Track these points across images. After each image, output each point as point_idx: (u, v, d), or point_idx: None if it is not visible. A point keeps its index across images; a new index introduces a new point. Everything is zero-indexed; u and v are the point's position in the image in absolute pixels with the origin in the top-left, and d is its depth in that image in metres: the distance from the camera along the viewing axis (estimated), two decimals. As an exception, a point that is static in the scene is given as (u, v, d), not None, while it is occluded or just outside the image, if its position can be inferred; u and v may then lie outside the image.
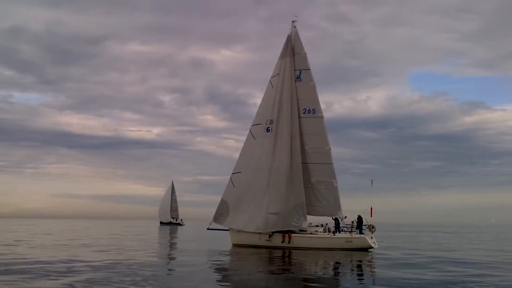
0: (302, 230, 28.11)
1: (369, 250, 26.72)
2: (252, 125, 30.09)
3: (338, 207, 28.40)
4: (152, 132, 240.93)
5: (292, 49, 29.70)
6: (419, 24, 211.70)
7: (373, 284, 14.41)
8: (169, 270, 17.77)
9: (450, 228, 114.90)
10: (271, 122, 29.19)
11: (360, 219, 27.97)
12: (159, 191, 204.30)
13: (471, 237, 58.59)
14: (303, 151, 28.89)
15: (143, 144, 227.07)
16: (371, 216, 27.46)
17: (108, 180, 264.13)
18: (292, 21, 30.29)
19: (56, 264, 17.35)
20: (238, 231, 29.20)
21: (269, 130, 29.16)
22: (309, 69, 29.41)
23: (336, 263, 21.09)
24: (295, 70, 29.45)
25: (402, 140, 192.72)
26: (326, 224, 28.74)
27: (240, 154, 30.26)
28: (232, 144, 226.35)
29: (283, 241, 27.82)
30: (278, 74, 29.47)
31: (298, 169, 28.30)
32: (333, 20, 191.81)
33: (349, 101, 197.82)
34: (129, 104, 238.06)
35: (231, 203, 29.46)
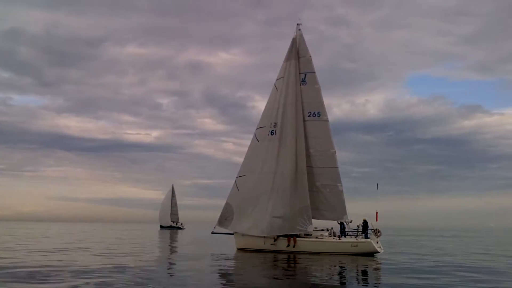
0: (307, 234, 27.95)
1: (374, 255, 26.52)
2: (256, 128, 30.00)
3: (343, 211, 28.25)
4: (150, 135, 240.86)
5: (297, 52, 29.65)
6: (417, 27, 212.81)
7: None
8: (171, 275, 17.52)
9: (448, 232, 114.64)
10: (275, 125, 29.10)
11: (365, 223, 27.81)
12: (157, 194, 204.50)
13: (472, 241, 58.39)
14: (307, 155, 28.78)
15: (141, 147, 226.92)
16: (377, 220, 27.31)
17: (106, 183, 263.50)
18: (297, 24, 30.35)
19: (54, 269, 17.05)
20: (243, 235, 29.02)
21: (273, 133, 29.06)
22: (314, 72, 29.36)
23: (342, 268, 20.84)
24: (300, 73, 29.40)
25: (400, 144, 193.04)
26: (332, 228, 28.58)
27: (244, 158, 30.15)
28: (231, 147, 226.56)
29: (288, 245, 27.64)
30: (283, 77, 29.42)
31: (303, 172, 28.17)
32: (331, 23, 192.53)
33: (347, 104, 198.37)
34: (127, 106, 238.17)
35: (236, 207, 29.33)
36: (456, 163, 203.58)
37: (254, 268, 20.55)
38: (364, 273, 19.15)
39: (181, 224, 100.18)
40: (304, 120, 29.00)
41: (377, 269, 20.62)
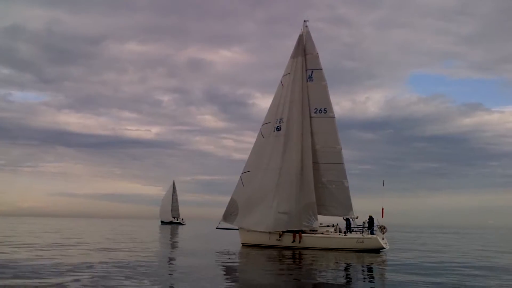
0: (313, 230, 28.03)
1: (380, 251, 26.62)
2: (262, 124, 30.03)
3: (349, 207, 28.32)
4: (151, 131, 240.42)
5: (304, 48, 29.65)
6: (417, 26, 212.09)
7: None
8: (172, 271, 17.31)
9: (449, 229, 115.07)
10: (281, 121, 29.12)
11: (371, 219, 27.88)
12: (157, 190, 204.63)
13: (474, 238, 58.69)
14: (313, 151, 28.82)
15: (141, 144, 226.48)
16: (382, 217, 27.38)
17: (106, 179, 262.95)
18: (304, 21, 30.31)
19: (59, 264, 16.87)
20: (248, 230, 29.08)
21: (279, 129, 29.08)
22: (321, 69, 29.36)
23: (348, 265, 20.49)
24: (306, 69, 29.40)
25: (399, 142, 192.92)
26: (337, 224, 28.67)
27: (250, 153, 30.18)
28: (231, 144, 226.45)
29: (293, 241, 27.72)
30: (289, 73, 29.42)
31: (309, 169, 28.22)
32: (331, 23, 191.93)
33: (347, 102, 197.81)
34: (128, 103, 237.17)
35: (241, 202, 29.36)
36: (456, 161, 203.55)
37: (258, 264, 20.53)
38: (372, 271, 18.92)
39: (182, 220, 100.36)
40: (310, 117, 29.02)
41: (384, 266, 20.59)
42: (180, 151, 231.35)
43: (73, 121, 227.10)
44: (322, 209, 28.44)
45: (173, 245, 32.61)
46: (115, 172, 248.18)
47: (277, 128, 29.21)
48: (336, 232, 28.13)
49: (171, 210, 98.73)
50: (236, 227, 29.92)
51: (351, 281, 15.90)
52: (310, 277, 16.47)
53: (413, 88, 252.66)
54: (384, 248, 26.70)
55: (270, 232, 28.19)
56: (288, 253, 25.14)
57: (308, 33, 29.86)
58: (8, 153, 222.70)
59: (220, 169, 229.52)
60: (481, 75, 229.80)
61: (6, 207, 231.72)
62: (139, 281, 13.26)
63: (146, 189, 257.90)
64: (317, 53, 29.51)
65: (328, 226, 28.54)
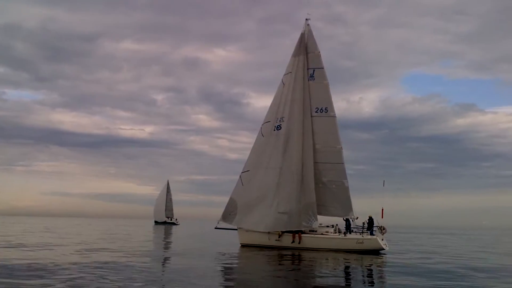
0: (313, 231, 27.78)
1: (380, 252, 26.41)
2: (262, 123, 29.74)
3: (349, 207, 28.09)
4: (145, 130, 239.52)
5: (306, 47, 29.39)
6: (414, 25, 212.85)
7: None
8: (168, 272, 16.91)
9: (444, 230, 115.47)
10: (281, 120, 28.85)
11: (371, 220, 27.67)
12: (151, 190, 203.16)
13: (471, 239, 58.73)
14: (313, 150, 28.56)
15: (136, 143, 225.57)
16: (382, 217, 27.19)
17: (100, 179, 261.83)
18: (306, 19, 30.08)
19: (51, 265, 16.22)
20: (247, 230, 28.77)
21: (279, 128, 28.81)
22: (322, 68, 29.13)
23: (349, 268, 19.96)
24: (308, 68, 29.15)
25: (394, 142, 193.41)
26: (337, 224, 28.42)
27: (250, 153, 29.88)
28: (225, 144, 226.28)
29: (293, 242, 27.46)
30: (291, 72, 29.16)
31: (309, 168, 27.98)
32: (328, 21, 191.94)
33: (342, 102, 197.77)
34: (122, 102, 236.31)
35: (240, 202, 29.05)
36: (449, 161, 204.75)
37: (256, 265, 20.22)
38: (369, 271, 18.70)
39: (176, 220, 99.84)
40: (311, 116, 28.77)
41: (383, 267, 20.31)
42: (174, 150, 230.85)
43: (67, 120, 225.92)
44: (322, 209, 28.20)
45: (167, 246, 31.98)
46: (109, 171, 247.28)
47: (277, 127, 28.94)
48: (335, 232, 27.89)
49: (165, 210, 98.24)
50: (235, 227, 29.59)
51: (350, 283, 15.56)
52: (309, 278, 16.18)
53: (409, 88, 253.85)
54: (383, 249, 26.49)
55: (269, 232, 27.92)
56: (287, 253, 24.84)
57: (310, 31, 29.61)
58: (2, 152, 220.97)
59: (214, 169, 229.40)
60: (476, 75, 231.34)
61: (0, 207, 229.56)
62: (132, 282, 12.93)
63: (140, 189, 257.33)
64: (319, 52, 29.27)
65: (327, 226, 28.31)
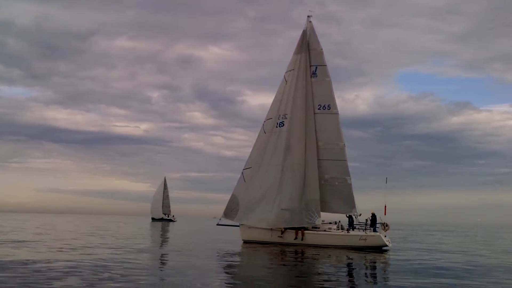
0: (315, 227, 27.84)
1: (383, 248, 26.49)
2: (264, 120, 29.73)
3: (352, 204, 28.15)
4: (139, 128, 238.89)
5: (308, 44, 29.37)
6: (407, 25, 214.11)
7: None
8: (169, 270, 16.63)
9: (440, 227, 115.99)
10: (284, 117, 28.85)
11: (374, 217, 27.73)
12: (146, 187, 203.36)
13: (469, 236, 58.99)
14: (316, 148, 28.60)
15: (130, 140, 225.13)
16: (385, 214, 27.29)
17: (94, 176, 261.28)
18: (308, 16, 30.09)
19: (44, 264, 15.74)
20: (249, 227, 28.80)
21: (282, 125, 28.80)
22: (325, 65, 29.13)
23: (351, 264, 19.86)
24: (310, 65, 29.14)
25: (389, 140, 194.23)
26: (339, 221, 28.50)
27: (252, 150, 29.88)
28: (220, 141, 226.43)
29: (295, 238, 27.52)
30: (293, 69, 29.12)
31: (313, 165, 28.03)
32: (322, 20, 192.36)
33: (337, 100, 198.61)
34: (116, 99, 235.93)
35: (242, 199, 29.07)
36: (444, 159, 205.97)
37: (259, 261, 20.19)
38: (372, 268, 18.58)
39: (173, 216, 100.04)
40: (314, 113, 28.79)
41: (385, 264, 20.29)
42: (169, 148, 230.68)
43: (62, 117, 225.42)
44: (324, 206, 28.24)
45: (167, 242, 31.94)
46: (103, 168, 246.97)
47: (279, 124, 28.92)
48: (338, 229, 27.97)
49: (162, 206, 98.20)
50: (237, 224, 29.60)
51: (353, 279, 15.44)
52: (312, 275, 16.16)
53: (403, 86, 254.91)
54: (386, 246, 26.58)
55: (271, 229, 27.96)
56: (290, 250, 24.86)
57: (312, 28, 29.60)
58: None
59: (209, 166, 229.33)
60: (471, 74, 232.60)
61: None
62: (130, 279, 12.79)
63: (135, 186, 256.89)
64: (321, 49, 29.27)
65: (330, 223, 28.39)
